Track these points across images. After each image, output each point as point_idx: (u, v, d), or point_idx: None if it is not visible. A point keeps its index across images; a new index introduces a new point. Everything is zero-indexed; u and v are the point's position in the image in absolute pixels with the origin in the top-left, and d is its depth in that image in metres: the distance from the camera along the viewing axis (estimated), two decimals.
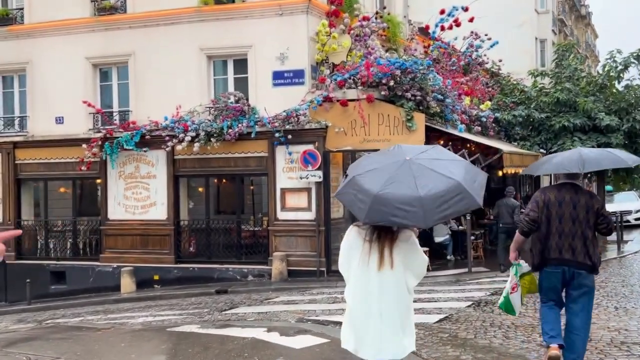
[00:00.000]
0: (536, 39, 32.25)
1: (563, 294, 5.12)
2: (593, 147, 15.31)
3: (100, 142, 14.13)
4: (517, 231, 5.35)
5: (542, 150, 16.64)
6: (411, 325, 3.58)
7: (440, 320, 7.43)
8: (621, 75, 15.97)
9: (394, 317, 3.49)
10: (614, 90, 16.45)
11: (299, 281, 12.44)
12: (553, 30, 34.36)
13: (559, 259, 4.96)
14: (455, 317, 7.70)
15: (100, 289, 14.22)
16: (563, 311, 5.15)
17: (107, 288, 14.13)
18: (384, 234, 3.53)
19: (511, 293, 5.32)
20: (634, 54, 15.72)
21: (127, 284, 13.76)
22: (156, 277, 13.96)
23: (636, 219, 23.05)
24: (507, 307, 5.40)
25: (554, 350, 4.83)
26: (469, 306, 8.45)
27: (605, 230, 5.08)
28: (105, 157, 14.16)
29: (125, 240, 14.32)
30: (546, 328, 5.02)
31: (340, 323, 6.94)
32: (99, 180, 14.73)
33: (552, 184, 30.16)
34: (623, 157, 5.40)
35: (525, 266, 5.30)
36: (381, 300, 3.48)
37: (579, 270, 4.93)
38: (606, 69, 16.49)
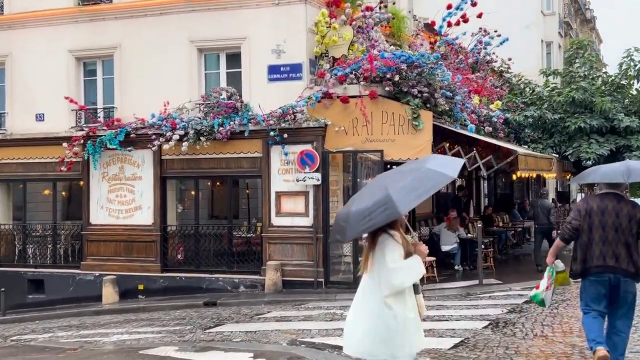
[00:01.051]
0: (542, 41, 31.42)
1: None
2: (611, 149, 14.35)
3: (82, 141, 13.15)
4: (557, 237, 5.56)
5: (554, 154, 15.63)
6: (380, 333, 3.68)
7: (455, 346, 6.40)
8: None
9: (359, 317, 3.81)
10: (633, 91, 15.45)
11: (295, 293, 11.41)
12: (559, 33, 33.49)
13: (604, 266, 5.02)
14: (473, 341, 6.67)
15: (80, 299, 13.20)
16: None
17: (87, 298, 13.10)
18: (369, 239, 3.84)
19: (545, 291, 5.48)
20: None
21: (109, 294, 12.73)
22: (141, 287, 12.94)
23: None
24: (541, 302, 5.58)
25: (603, 351, 4.84)
26: (486, 327, 7.42)
27: None
28: (88, 157, 13.15)
29: (108, 247, 13.29)
30: (592, 335, 5.02)
31: (338, 346, 5.89)
32: (81, 182, 13.71)
33: (560, 190, 29.07)
34: None
35: (560, 266, 5.45)
36: (357, 300, 3.87)
37: (624, 278, 5.00)
38: (623, 67, 15.51)
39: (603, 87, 15.87)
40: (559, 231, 11.51)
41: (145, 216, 13.02)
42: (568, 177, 18.00)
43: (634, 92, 15.51)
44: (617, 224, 5.01)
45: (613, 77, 15.59)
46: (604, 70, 16.04)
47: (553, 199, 18.82)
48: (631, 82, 15.34)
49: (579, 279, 5.23)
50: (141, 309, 11.71)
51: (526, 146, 16.21)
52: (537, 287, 5.55)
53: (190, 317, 9.89)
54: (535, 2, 30.53)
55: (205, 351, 6.72)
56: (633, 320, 5.21)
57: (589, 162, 15.33)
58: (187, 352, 6.72)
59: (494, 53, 17.31)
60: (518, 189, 22.37)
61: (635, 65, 15.18)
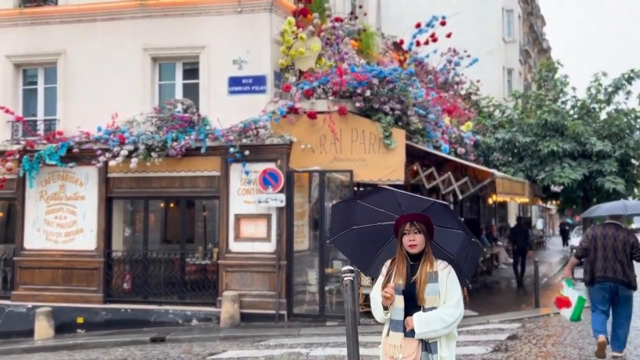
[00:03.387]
0: (504, 68, 31.69)
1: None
2: (584, 174, 13.95)
3: (17, 156, 11.76)
4: (572, 255, 7.46)
5: (524, 179, 15.14)
6: None
7: None
8: (612, 97, 14.74)
9: None
10: (603, 115, 15.22)
11: (254, 327, 10.28)
12: (520, 60, 33.94)
13: (605, 277, 6.82)
14: None
15: (10, 334, 11.64)
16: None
17: (18, 333, 11.59)
18: None
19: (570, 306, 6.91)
20: (625, 75, 14.55)
21: (43, 329, 11.27)
22: (80, 320, 11.52)
23: None
24: (578, 318, 7.03)
25: (602, 338, 6.67)
26: None
27: (637, 257, 6.84)
28: (23, 173, 11.77)
29: (44, 275, 11.84)
30: (596, 327, 6.83)
31: None
32: (15, 202, 12.27)
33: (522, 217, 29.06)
34: None
35: (571, 284, 7.06)
36: None
37: (621, 285, 6.80)
38: (592, 91, 15.28)
39: (572, 111, 15.61)
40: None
41: (87, 240, 11.69)
42: (539, 201, 17.58)
43: (604, 116, 15.27)
44: (615, 246, 6.82)
45: (582, 101, 15.33)
46: (572, 94, 15.76)
47: (524, 224, 19.10)
48: (601, 106, 15.09)
49: (589, 287, 7.05)
50: (78, 345, 10.33)
51: (495, 169, 15.70)
52: (569, 305, 6.89)
53: (134, 357, 8.62)
54: (497, 29, 30.82)
55: None
56: (631, 316, 6.98)
57: (560, 187, 14.96)
58: None
59: (462, 74, 16.93)
60: (484, 214, 21.91)
61: (606, 90, 14.95)
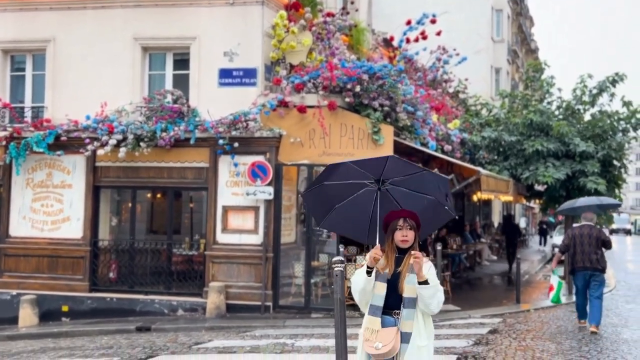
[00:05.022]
0: (492, 67, 31.94)
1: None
2: (567, 174, 14.17)
3: (4, 142, 11.71)
4: (558, 251, 9.41)
5: (508, 177, 15.36)
6: None
7: None
8: (596, 99, 14.97)
9: None
10: (587, 116, 15.46)
11: (239, 318, 10.37)
12: (508, 60, 34.22)
13: (583, 267, 8.77)
14: None
15: None
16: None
17: (2, 320, 11.55)
18: None
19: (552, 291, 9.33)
20: (610, 78, 14.78)
21: (28, 316, 11.25)
22: (65, 309, 11.52)
23: None
24: (558, 301, 9.48)
25: (583, 323, 8.98)
26: None
27: (607, 248, 8.89)
28: (10, 160, 11.70)
29: (30, 263, 11.81)
30: (578, 309, 9.11)
31: None
32: (0, 189, 12.18)
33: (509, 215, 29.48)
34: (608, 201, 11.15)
35: (560, 271, 9.63)
36: None
37: (595, 272, 8.73)
38: (577, 93, 15.50)
39: (557, 112, 15.83)
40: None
41: (73, 229, 11.67)
42: (523, 200, 17.84)
43: (588, 118, 15.51)
44: (590, 242, 8.76)
45: (568, 102, 15.55)
46: (558, 95, 15.97)
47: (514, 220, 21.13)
48: (586, 108, 15.32)
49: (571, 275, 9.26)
50: (63, 334, 10.33)
51: (481, 167, 15.89)
52: (551, 289, 9.20)
53: (119, 345, 8.66)
54: (485, 28, 31.04)
55: None
56: (602, 296, 8.85)
57: (544, 186, 15.20)
58: None
59: (451, 72, 17.08)
60: (469, 211, 22.15)
61: (590, 91, 15.18)
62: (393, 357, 3.63)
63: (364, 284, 3.61)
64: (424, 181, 3.86)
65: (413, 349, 3.57)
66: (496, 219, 29.96)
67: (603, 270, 8.74)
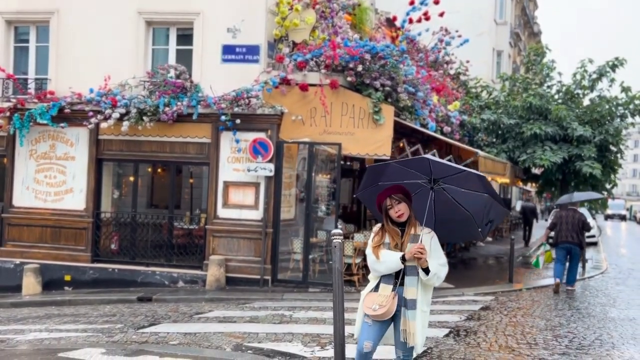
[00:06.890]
0: (494, 49, 31.81)
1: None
2: (564, 158, 14.37)
3: (8, 113, 11.82)
4: (547, 228, 12.09)
5: (507, 160, 15.55)
6: None
7: (418, 357, 5.84)
8: (595, 84, 15.08)
9: None
10: (586, 101, 15.59)
11: (238, 291, 10.63)
12: (510, 43, 34.08)
13: (565, 241, 11.01)
14: (437, 352, 6.14)
15: None
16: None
17: (6, 288, 11.81)
18: None
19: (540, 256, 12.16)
20: (610, 63, 14.88)
21: (31, 284, 11.50)
22: (67, 278, 11.77)
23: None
24: (536, 264, 12.38)
25: (557, 281, 10.95)
26: (447, 335, 6.93)
27: (586, 229, 11.27)
28: (14, 131, 11.83)
29: (33, 232, 12.02)
30: (556, 274, 11.09)
31: (289, 354, 5.21)
32: (4, 159, 12.33)
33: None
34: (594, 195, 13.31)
35: (548, 246, 12.29)
36: None
37: (574, 246, 11.01)
38: (577, 77, 15.61)
39: (556, 96, 15.95)
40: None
41: (76, 200, 11.86)
42: (519, 183, 18.03)
43: (587, 102, 15.64)
44: (572, 222, 10.99)
45: (567, 87, 15.66)
46: (558, 79, 16.07)
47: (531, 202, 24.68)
48: (585, 92, 15.44)
49: (555, 247, 11.28)
50: (66, 302, 10.59)
51: (479, 149, 16.05)
52: (534, 258, 12.15)
53: (122, 313, 8.92)
54: (488, 11, 30.85)
55: (136, 355, 5.86)
56: (578, 264, 11.35)
57: (540, 169, 15.41)
58: (116, 355, 5.84)
59: (453, 54, 17.12)
60: None
61: (590, 76, 15.28)
62: (393, 321, 3.90)
63: (395, 266, 3.87)
64: (469, 180, 3.90)
65: (419, 313, 3.84)
66: None
67: (580, 246, 11.09)
